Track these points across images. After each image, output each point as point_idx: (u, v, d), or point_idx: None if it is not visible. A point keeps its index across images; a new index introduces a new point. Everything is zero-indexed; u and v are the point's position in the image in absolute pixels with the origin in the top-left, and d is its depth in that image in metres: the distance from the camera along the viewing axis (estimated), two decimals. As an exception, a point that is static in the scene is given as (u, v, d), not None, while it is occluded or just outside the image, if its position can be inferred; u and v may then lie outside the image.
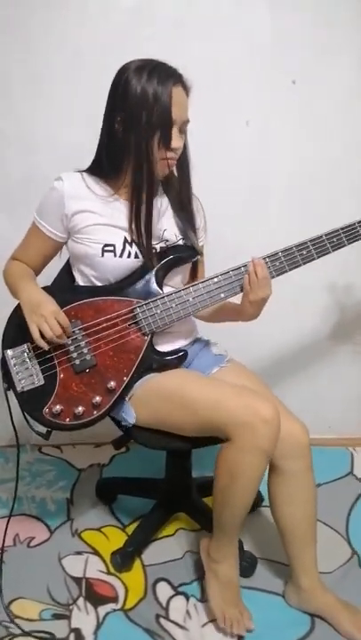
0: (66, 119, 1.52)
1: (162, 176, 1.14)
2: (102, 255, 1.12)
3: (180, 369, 1.17)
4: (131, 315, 1.13)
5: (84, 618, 1.18)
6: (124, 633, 1.15)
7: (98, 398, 1.10)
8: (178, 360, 1.16)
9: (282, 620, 1.16)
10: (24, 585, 1.25)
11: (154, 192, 1.12)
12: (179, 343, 1.22)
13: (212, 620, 1.15)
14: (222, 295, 1.14)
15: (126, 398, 1.14)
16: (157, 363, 1.15)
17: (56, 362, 1.12)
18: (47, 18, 1.46)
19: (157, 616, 1.18)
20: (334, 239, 1.14)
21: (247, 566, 1.28)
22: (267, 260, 1.13)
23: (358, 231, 1.16)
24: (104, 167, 1.14)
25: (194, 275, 1.28)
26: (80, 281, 1.20)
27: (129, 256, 1.13)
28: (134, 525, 1.44)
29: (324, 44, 1.50)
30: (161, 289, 1.15)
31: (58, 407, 1.10)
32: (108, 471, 1.72)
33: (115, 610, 1.20)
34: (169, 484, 1.42)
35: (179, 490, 1.42)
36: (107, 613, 1.19)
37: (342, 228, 1.15)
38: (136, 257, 1.14)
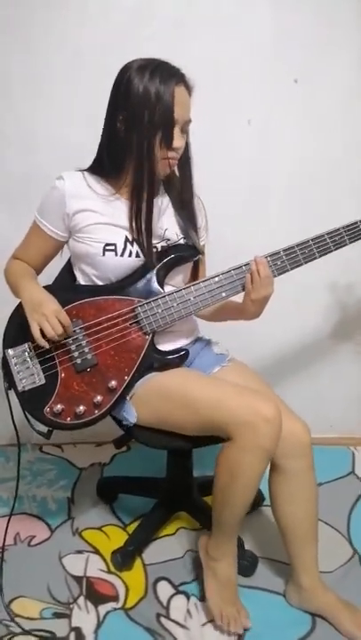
0: (66, 119, 1.52)
1: (163, 175, 1.14)
2: (103, 254, 1.12)
3: (181, 368, 1.17)
4: (132, 314, 1.13)
5: (84, 617, 1.18)
6: (125, 632, 1.15)
7: (99, 397, 1.10)
8: (179, 359, 1.16)
9: (283, 619, 1.17)
10: (25, 584, 1.26)
11: (154, 191, 1.12)
12: (180, 342, 1.23)
13: (213, 620, 1.15)
14: (223, 294, 1.14)
15: (127, 397, 1.14)
16: (159, 362, 1.15)
17: (57, 361, 1.12)
18: (47, 18, 1.46)
19: (158, 615, 1.19)
20: (336, 238, 1.14)
21: (248, 565, 1.28)
22: (268, 259, 1.13)
23: (360, 230, 1.16)
24: (105, 166, 1.14)
25: (195, 274, 1.28)
26: (81, 280, 1.20)
27: (130, 255, 1.13)
28: (135, 524, 1.44)
29: (325, 43, 1.50)
30: (162, 288, 1.15)
31: (59, 406, 1.10)
32: (108, 470, 1.72)
33: (115, 609, 1.20)
34: (170, 483, 1.42)
35: (180, 489, 1.42)
36: (107, 612, 1.19)
37: (344, 227, 1.15)
38: (137, 256, 1.14)
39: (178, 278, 1.22)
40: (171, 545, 1.39)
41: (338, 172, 1.60)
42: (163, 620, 1.18)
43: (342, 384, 1.83)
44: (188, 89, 1.08)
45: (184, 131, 1.10)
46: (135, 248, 1.13)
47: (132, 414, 1.13)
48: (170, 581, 1.28)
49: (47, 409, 1.10)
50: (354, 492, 1.58)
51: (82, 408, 1.10)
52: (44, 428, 1.14)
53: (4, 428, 1.34)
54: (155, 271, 1.14)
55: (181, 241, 1.19)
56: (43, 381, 1.12)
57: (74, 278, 1.22)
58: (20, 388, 1.11)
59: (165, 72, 1.04)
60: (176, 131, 1.06)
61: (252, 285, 1.12)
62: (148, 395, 1.13)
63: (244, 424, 1.01)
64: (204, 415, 1.06)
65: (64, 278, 1.27)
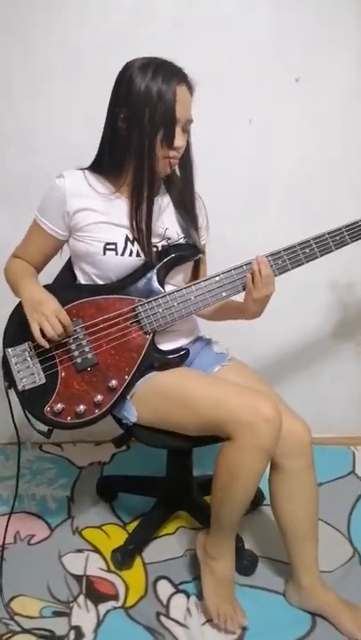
0: (66, 119, 1.52)
1: (164, 175, 1.14)
2: (104, 253, 1.12)
3: (181, 368, 1.17)
4: (132, 313, 1.13)
5: (84, 615, 1.18)
6: (125, 631, 1.15)
7: (99, 397, 1.10)
8: (179, 359, 1.16)
9: (282, 618, 1.17)
10: (24, 582, 1.26)
11: (155, 190, 1.12)
12: (180, 342, 1.23)
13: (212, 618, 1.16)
14: (224, 294, 1.14)
15: (128, 397, 1.14)
16: (159, 361, 1.15)
17: (57, 360, 1.12)
18: (47, 18, 1.47)
19: (158, 614, 1.19)
20: (337, 237, 1.14)
21: (248, 565, 1.28)
22: (270, 258, 1.13)
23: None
24: (106, 165, 1.14)
25: (196, 273, 1.28)
26: (81, 279, 1.20)
27: (130, 254, 1.13)
28: (135, 523, 1.44)
29: (325, 43, 1.50)
30: (163, 287, 1.15)
31: (59, 406, 1.10)
32: (108, 469, 1.72)
33: (115, 607, 1.20)
34: (170, 482, 1.42)
35: (179, 488, 1.42)
36: (107, 611, 1.19)
37: (345, 227, 1.15)
38: (138, 255, 1.14)
39: (178, 277, 1.22)
40: (171, 544, 1.39)
41: (338, 172, 1.60)
42: (163, 618, 1.18)
43: (343, 384, 1.83)
44: (190, 88, 1.09)
45: (185, 130, 1.10)
46: (136, 247, 1.13)
47: (132, 413, 1.13)
48: (170, 580, 1.28)
49: (47, 408, 1.11)
50: (354, 492, 1.58)
51: (82, 407, 1.10)
52: (44, 428, 1.14)
53: (4, 427, 1.34)
54: (155, 270, 1.14)
55: (182, 240, 1.19)
56: (43, 381, 1.12)
57: (74, 277, 1.22)
58: (20, 388, 1.12)
59: (168, 71, 1.04)
60: (177, 130, 1.06)
61: (253, 284, 1.12)
62: (149, 394, 1.13)
63: (243, 424, 1.01)
64: (203, 415, 1.06)
65: (64, 277, 1.27)
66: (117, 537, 1.40)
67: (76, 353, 1.12)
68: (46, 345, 1.08)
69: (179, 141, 1.07)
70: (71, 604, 1.21)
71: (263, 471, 1.06)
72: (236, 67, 1.51)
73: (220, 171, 1.52)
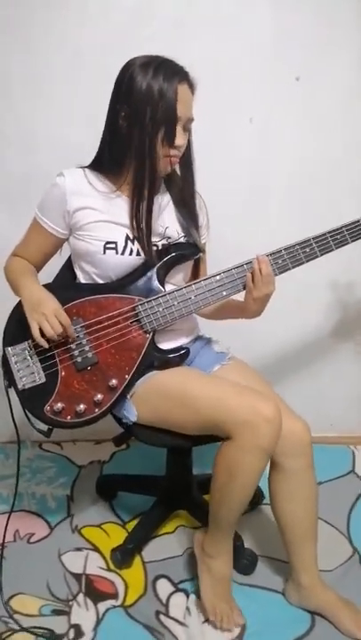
0: (66, 119, 1.52)
1: (164, 173, 1.14)
2: (104, 253, 1.12)
3: (181, 367, 1.18)
4: (132, 312, 1.13)
5: (83, 614, 1.18)
6: (124, 629, 1.15)
7: (99, 396, 1.11)
8: (180, 358, 1.17)
9: (282, 617, 1.17)
10: (24, 581, 1.26)
11: (155, 189, 1.12)
12: (180, 341, 1.23)
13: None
14: (224, 293, 1.14)
15: (128, 396, 1.14)
16: (159, 360, 1.15)
17: (57, 359, 1.13)
18: (47, 18, 1.47)
19: (157, 612, 1.19)
20: (338, 237, 1.14)
21: (248, 564, 1.29)
22: (270, 257, 1.13)
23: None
24: (106, 163, 1.14)
25: (196, 272, 1.28)
26: (81, 278, 1.20)
27: (131, 253, 1.13)
28: (134, 522, 1.44)
29: (325, 43, 1.50)
30: (163, 286, 1.15)
31: (59, 405, 1.10)
32: (108, 468, 1.73)
33: (115, 606, 1.21)
34: (169, 481, 1.42)
35: (179, 487, 1.42)
36: (107, 610, 1.19)
37: (346, 226, 1.15)
38: (138, 254, 1.14)
39: (179, 277, 1.22)
40: (170, 543, 1.39)
41: (338, 172, 1.60)
42: (162, 617, 1.18)
43: (343, 383, 1.83)
44: (192, 87, 1.09)
45: (186, 129, 1.10)
46: (136, 246, 1.13)
47: (132, 412, 1.13)
48: (169, 579, 1.28)
49: (47, 407, 1.11)
50: (354, 491, 1.59)
51: (82, 406, 1.10)
52: (44, 427, 1.14)
53: (4, 426, 1.34)
54: (155, 269, 1.14)
55: (182, 239, 1.19)
56: (43, 380, 1.12)
57: (74, 276, 1.22)
58: (20, 387, 1.12)
59: (169, 70, 1.04)
60: (178, 128, 1.06)
61: (253, 284, 1.12)
62: (149, 393, 1.13)
63: (243, 423, 1.01)
64: (203, 414, 1.06)
65: (64, 276, 1.27)
66: (117, 536, 1.40)
67: (76, 352, 1.12)
68: (46, 345, 1.08)
69: (180, 140, 1.07)
70: (71, 603, 1.21)
71: (262, 471, 1.06)
72: (236, 66, 1.51)
73: (220, 170, 1.52)
